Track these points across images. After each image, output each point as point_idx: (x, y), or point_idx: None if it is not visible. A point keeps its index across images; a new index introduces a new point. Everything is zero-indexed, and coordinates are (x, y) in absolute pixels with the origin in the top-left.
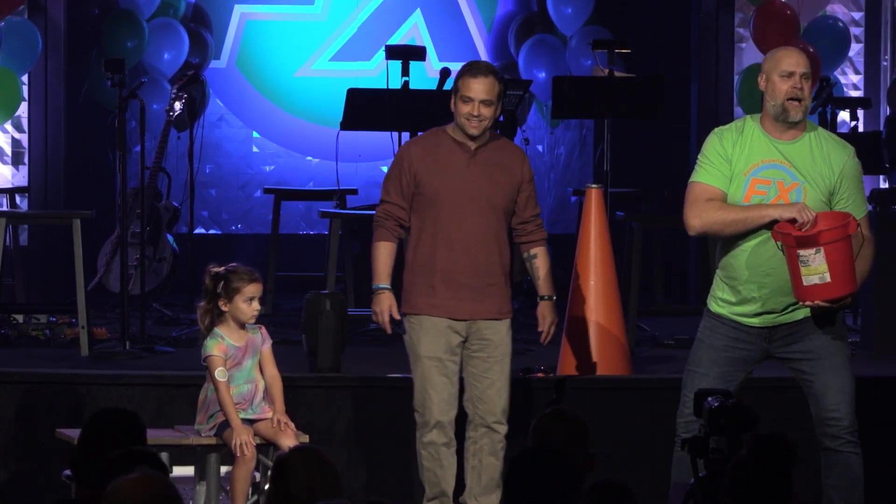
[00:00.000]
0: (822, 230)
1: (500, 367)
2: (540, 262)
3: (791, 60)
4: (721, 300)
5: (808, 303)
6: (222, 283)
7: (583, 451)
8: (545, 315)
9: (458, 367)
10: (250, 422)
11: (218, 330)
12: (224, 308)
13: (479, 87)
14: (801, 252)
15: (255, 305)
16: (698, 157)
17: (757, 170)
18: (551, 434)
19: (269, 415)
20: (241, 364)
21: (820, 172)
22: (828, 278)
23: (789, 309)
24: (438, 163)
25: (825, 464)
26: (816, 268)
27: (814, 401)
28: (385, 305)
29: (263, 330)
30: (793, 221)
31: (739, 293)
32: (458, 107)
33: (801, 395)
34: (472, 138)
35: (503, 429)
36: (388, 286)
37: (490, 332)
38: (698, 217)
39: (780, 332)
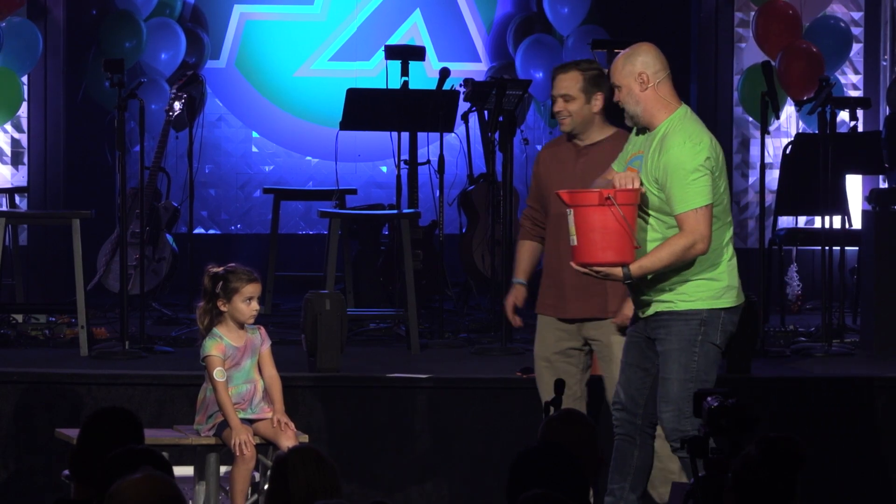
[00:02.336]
0: (563, 191)
1: (616, 365)
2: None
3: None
4: None
5: (572, 265)
6: (221, 283)
7: (591, 452)
8: (623, 309)
9: (577, 369)
10: (249, 422)
11: (217, 330)
12: (223, 308)
13: (558, 84)
14: (567, 210)
15: (254, 305)
16: None
17: (631, 160)
18: (560, 435)
19: (269, 415)
20: (240, 364)
21: (653, 163)
22: (574, 241)
23: (640, 304)
24: (555, 163)
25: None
26: (571, 227)
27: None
28: (511, 298)
29: (262, 330)
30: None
31: None
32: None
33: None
34: (577, 137)
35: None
36: (522, 280)
37: (597, 332)
38: None
39: (650, 323)
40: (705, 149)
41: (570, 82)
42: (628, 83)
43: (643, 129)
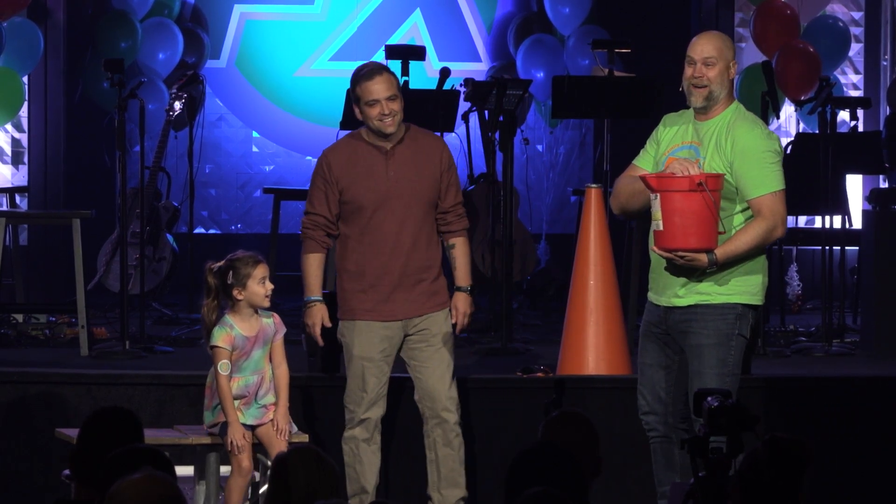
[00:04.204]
0: (650, 175)
1: (439, 355)
2: (458, 252)
3: (694, 48)
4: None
5: (654, 250)
6: (230, 273)
7: (592, 454)
8: (457, 306)
9: (389, 369)
10: (251, 428)
11: (228, 318)
12: (239, 297)
13: (380, 87)
14: (651, 196)
15: (269, 285)
16: None
17: (675, 150)
18: (560, 436)
19: (271, 416)
20: (250, 354)
21: (721, 149)
22: (660, 226)
23: (673, 293)
24: (358, 168)
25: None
26: (656, 213)
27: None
28: (317, 318)
29: (277, 318)
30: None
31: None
32: (366, 113)
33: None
34: (387, 138)
35: (453, 417)
36: (320, 298)
37: (426, 322)
38: (614, 191)
39: (678, 314)
40: (775, 137)
41: (390, 84)
42: (726, 64)
43: (701, 115)
